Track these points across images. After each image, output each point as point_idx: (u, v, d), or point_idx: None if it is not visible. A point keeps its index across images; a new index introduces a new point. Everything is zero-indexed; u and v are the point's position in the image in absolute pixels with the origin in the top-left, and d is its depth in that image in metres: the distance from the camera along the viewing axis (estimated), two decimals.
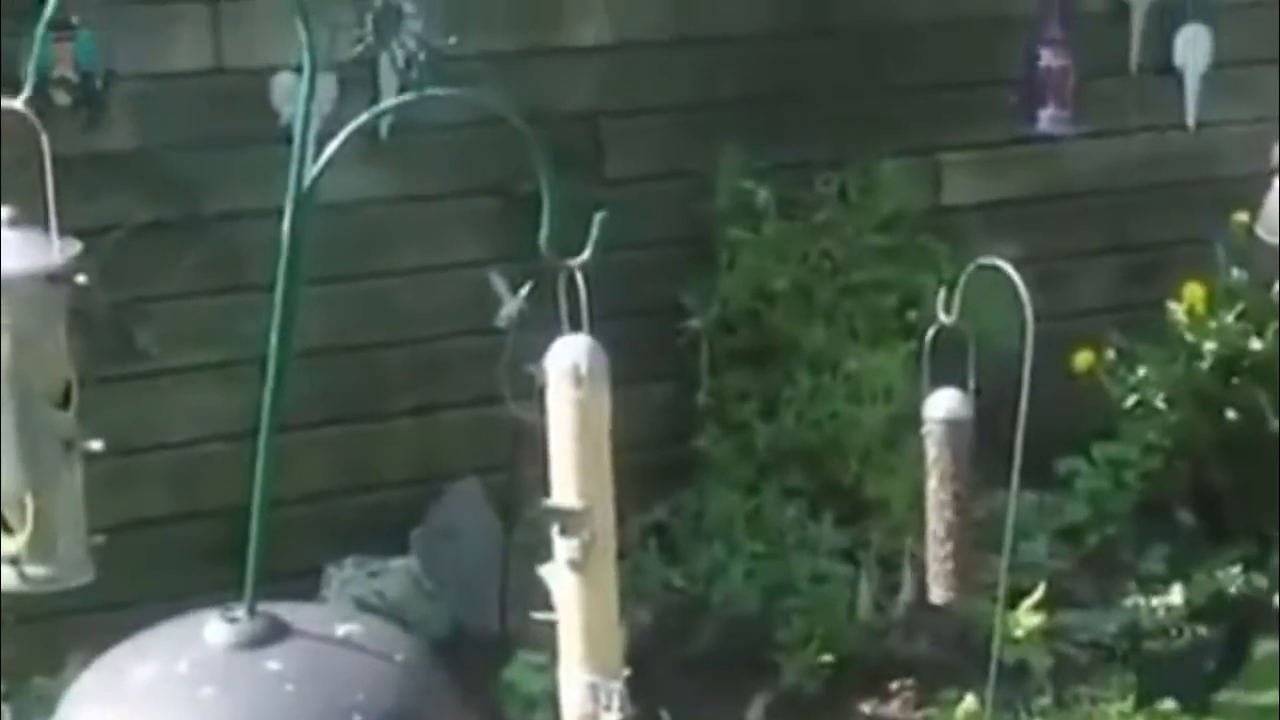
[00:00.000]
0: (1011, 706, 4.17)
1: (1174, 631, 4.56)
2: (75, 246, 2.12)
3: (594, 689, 2.03)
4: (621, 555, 2.06)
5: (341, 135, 2.00)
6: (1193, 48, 5.19)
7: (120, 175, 4.20)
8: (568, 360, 2.00)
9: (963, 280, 3.06)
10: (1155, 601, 4.62)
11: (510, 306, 4.19)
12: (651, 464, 4.33)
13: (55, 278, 2.10)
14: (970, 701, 4.16)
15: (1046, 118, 4.95)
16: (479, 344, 4.27)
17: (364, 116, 2.08)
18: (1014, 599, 4.19)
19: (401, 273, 4.56)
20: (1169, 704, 4.25)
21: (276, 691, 1.95)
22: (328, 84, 4.17)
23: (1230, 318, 4.88)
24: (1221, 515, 4.90)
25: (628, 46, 4.72)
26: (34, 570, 2.12)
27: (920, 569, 3.33)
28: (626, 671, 2.05)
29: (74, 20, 3.98)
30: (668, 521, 4.64)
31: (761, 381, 4.66)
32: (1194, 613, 4.60)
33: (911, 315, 4.60)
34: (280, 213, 2.01)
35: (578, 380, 1.99)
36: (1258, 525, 4.84)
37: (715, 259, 4.67)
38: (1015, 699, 4.20)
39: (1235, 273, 4.93)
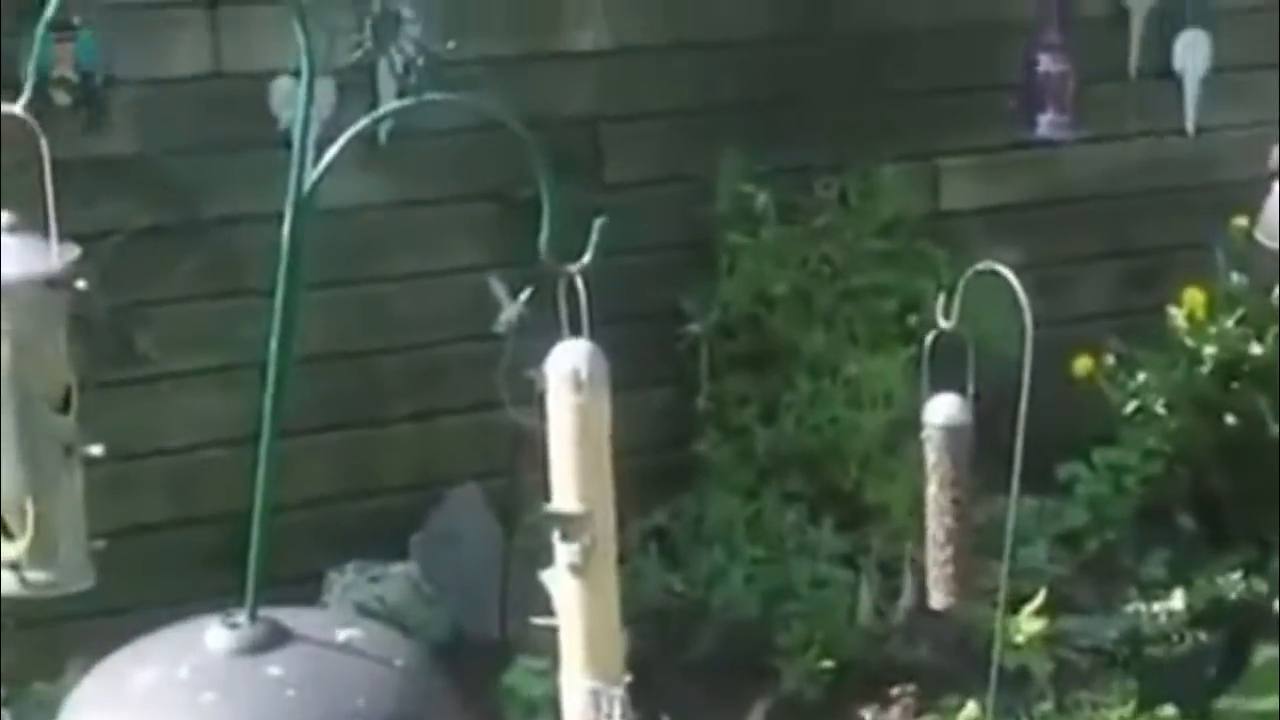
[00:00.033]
0: (1013, 712, 4.16)
1: (1175, 637, 4.56)
2: (75, 251, 2.12)
3: (595, 695, 2.02)
4: (621, 560, 2.06)
5: (341, 140, 2.00)
6: (1192, 52, 5.19)
7: (119, 180, 4.19)
8: (568, 365, 2.00)
9: (962, 285, 3.06)
10: (1156, 607, 4.62)
11: (510, 311, 4.19)
12: (651, 469, 4.33)
13: (55, 283, 2.10)
14: (971, 707, 4.16)
15: (1046, 123, 4.95)
16: (479, 349, 4.27)
17: (363, 121, 2.09)
18: (1014, 604, 4.19)
19: (401, 278, 4.56)
20: (1170, 710, 4.25)
21: (277, 697, 1.95)
22: (326, 89, 4.18)
23: (1230, 323, 4.88)
24: (1222, 520, 4.90)
25: (627, 51, 4.72)
26: (34, 575, 2.12)
27: (920, 574, 3.33)
28: (628, 677, 2.05)
29: (75, 20, 3.98)
30: (668, 526, 4.63)
31: (761, 386, 4.65)
32: (1195, 618, 4.60)
33: (911, 320, 4.59)
34: (280, 217, 2.01)
35: (578, 385, 1.99)
36: (1258, 530, 4.83)
37: (715, 264, 4.67)
38: (1016, 705, 4.19)
39: (1235, 277, 4.92)
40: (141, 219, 4.22)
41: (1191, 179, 5.24)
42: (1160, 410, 4.85)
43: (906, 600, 4.47)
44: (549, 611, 2.05)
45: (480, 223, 4.54)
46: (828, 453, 4.62)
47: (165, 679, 1.96)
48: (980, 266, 3.10)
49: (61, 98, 4.03)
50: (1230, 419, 4.86)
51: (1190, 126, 5.24)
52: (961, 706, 4.20)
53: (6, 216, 2.11)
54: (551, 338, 2.02)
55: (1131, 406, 4.85)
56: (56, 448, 2.11)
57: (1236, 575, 4.74)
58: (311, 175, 1.99)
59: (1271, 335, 4.84)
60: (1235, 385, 4.87)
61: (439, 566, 4.43)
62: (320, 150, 2.00)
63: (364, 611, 4.15)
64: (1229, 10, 5.20)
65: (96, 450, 2.13)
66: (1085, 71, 4.95)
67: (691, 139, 4.73)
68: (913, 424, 3.17)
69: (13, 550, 2.11)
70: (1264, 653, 4.49)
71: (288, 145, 2.00)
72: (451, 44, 4.36)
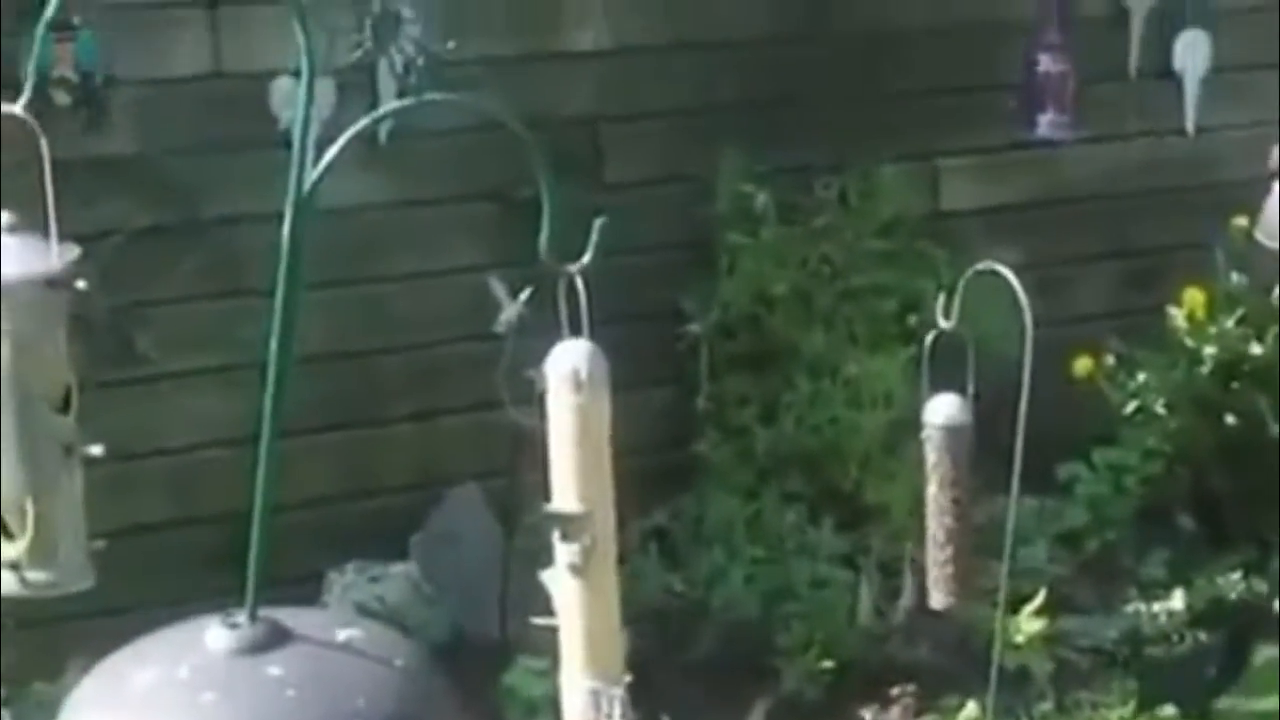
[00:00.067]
0: (1013, 712, 4.16)
1: (1175, 637, 4.56)
2: (74, 251, 2.12)
3: (595, 695, 2.02)
4: (621, 560, 2.05)
5: (340, 140, 2.00)
6: (1192, 52, 5.19)
7: (119, 180, 4.19)
8: (568, 365, 2.00)
9: (962, 285, 3.06)
10: (1156, 607, 4.62)
11: (510, 311, 4.19)
12: (651, 469, 4.33)
13: (55, 283, 2.10)
14: (971, 707, 4.16)
15: (1046, 123, 4.95)
16: (478, 349, 4.27)
17: (363, 121, 2.08)
18: (1014, 604, 4.19)
19: (401, 278, 4.56)
20: (1170, 710, 4.25)
21: (277, 697, 1.95)
22: (326, 89, 4.18)
23: (1230, 323, 4.88)
24: (1222, 520, 4.90)
25: (627, 51, 4.72)
26: (34, 575, 2.12)
27: (920, 574, 3.33)
28: (628, 677, 2.05)
29: (75, 20, 3.98)
30: (668, 526, 4.63)
31: (761, 386, 4.65)
32: (1195, 618, 4.60)
33: (911, 320, 4.59)
34: (279, 218, 2.01)
35: (578, 385, 1.99)
36: (1258, 530, 4.83)
37: (715, 264, 4.67)
38: (1016, 705, 4.19)
39: (1235, 277, 4.92)
40: (141, 219, 4.22)
41: (1191, 179, 5.24)
42: (1160, 410, 4.85)
43: (906, 600, 4.47)
44: (549, 611, 2.05)
45: (480, 223, 4.54)
46: (828, 453, 4.62)
47: (165, 679, 1.96)
48: (980, 266, 3.10)
49: (61, 98, 4.03)
50: (1230, 419, 4.86)
51: (1190, 126, 5.24)
52: (961, 706, 4.20)
53: (6, 216, 2.11)
54: (551, 338, 2.02)
55: (1131, 406, 4.85)
56: (56, 448, 2.11)
57: (1236, 575, 4.74)
58: (311, 175, 1.99)
59: (1271, 335, 4.84)
60: (1235, 385, 4.87)
61: (439, 566, 4.43)
62: (320, 150, 2.00)
63: (364, 611, 4.15)
64: (1229, 10, 5.20)
65: (96, 450, 2.13)
66: (1085, 71, 4.95)
67: (691, 139, 4.73)
68: (913, 424, 3.17)
69: (13, 550, 2.11)
70: (1264, 653, 4.49)
71: (288, 145, 2.00)
72: (451, 44, 4.36)
